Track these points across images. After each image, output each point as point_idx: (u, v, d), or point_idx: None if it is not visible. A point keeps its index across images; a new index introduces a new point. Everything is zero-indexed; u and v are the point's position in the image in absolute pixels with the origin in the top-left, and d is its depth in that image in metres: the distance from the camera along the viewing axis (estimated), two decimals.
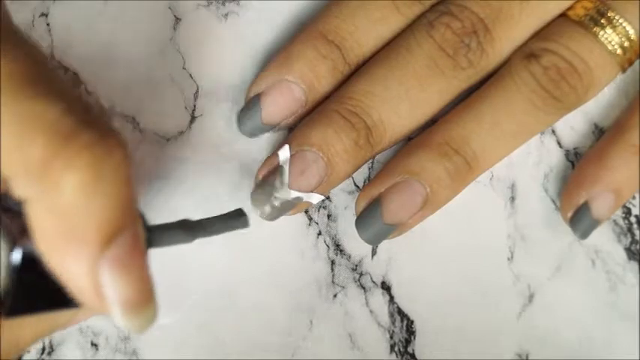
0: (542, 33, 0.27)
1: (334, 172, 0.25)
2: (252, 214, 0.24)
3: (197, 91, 0.27)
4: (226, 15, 0.27)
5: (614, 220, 0.30)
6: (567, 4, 0.27)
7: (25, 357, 0.26)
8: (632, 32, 0.26)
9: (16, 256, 0.18)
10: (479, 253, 0.29)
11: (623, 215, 0.30)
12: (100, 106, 0.19)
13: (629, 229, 0.30)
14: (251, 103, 0.26)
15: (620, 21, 0.26)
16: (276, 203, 0.25)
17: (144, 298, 0.18)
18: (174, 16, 0.27)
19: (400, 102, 0.26)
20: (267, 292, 0.28)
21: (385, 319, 0.28)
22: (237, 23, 0.28)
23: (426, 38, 0.26)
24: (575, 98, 0.26)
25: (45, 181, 0.16)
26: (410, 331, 0.28)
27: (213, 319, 0.27)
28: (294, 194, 0.25)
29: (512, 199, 0.29)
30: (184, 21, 0.27)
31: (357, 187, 0.28)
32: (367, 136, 0.25)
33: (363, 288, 0.28)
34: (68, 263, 0.17)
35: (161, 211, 0.27)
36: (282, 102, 0.26)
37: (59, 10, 0.26)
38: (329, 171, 0.25)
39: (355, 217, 0.27)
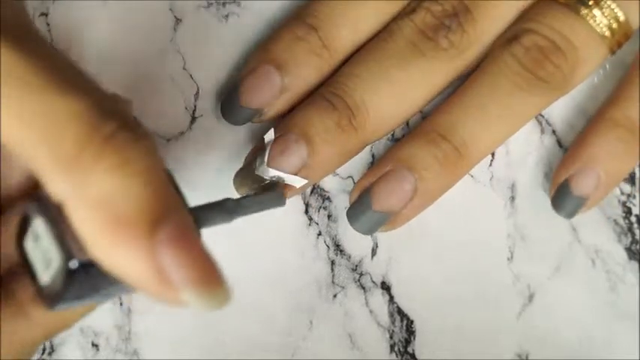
0: (525, 14, 0.27)
1: (316, 153, 0.25)
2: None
3: (197, 92, 0.27)
4: (227, 16, 0.28)
5: (615, 220, 0.30)
6: None
7: None
8: (620, 14, 0.26)
9: (73, 264, 0.17)
10: (479, 252, 0.29)
11: (624, 215, 0.30)
12: (124, 99, 0.19)
13: (630, 229, 0.30)
14: (232, 89, 0.26)
15: (609, 2, 0.26)
16: (257, 184, 0.25)
17: (212, 275, 0.17)
18: (175, 16, 0.27)
19: (380, 82, 0.26)
20: (267, 292, 0.28)
21: (385, 319, 0.28)
22: (237, 24, 0.28)
23: (406, 22, 0.26)
24: (561, 78, 0.26)
25: (79, 173, 0.16)
26: (410, 331, 0.28)
27: (212, 319, 0.27)
28: (272, 173, 0.25)
29: (512, 198, 0.29)
30: (185, 22, 0.27)
31: None
32: (349, 117, 0.25)
33: (363, 288, 0.28)
34: (122, 255, 0.16)
35: None
36: (259, 85, 0.26)
37: (59, 10, 0.26)
38: (310, 151, 0.25)
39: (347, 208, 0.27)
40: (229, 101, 0.26)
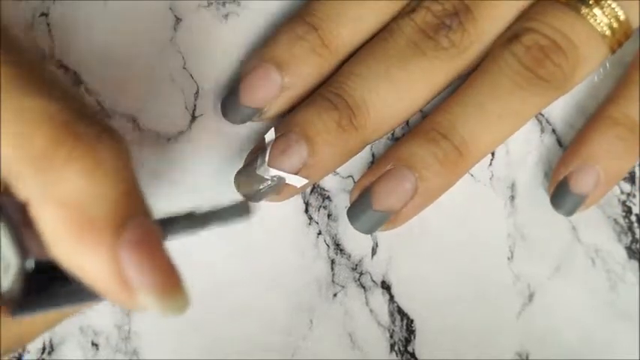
0: (526, 14, 0.27)
1: (317, 153, 0.25)
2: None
3: (197, 91, 0.27)
4: (227, 15, 0.28)
5: (615, 219, 0.30)
6: None
7: (25, 357, 0.26)
8: (620, 13, 0.26)
9: (29, 263, 0.17)
10: (479, 252, 0.29)
11: (624, 214, 0.30)
12: (96, 106, 0.20)
13: (630, 228, 0.30)
14: (232, 88, 0.26)
15: (609, 1, 0.26)
16: (258, 184, 0.25)
17: (171, 281, 0.17)
18: (175, 16, 0.27)
19: (380, 81, 0.26)
20: (267, 291, 0.28)
21: (385, 318, 0.28)
22: (237, 24, 0.28)
23: (407, 21, 0.26)
24: (562, 77, 0.26)
25: (48, 172, 0.16)
26: (410, 330, 0.28)
27: (213, 319, 0.27)
28: (273, 173, 0.25)
29: (512, 198, 0.29)
30: (185, 21, 0.27)
31: None
32: (350, 117, 0.25)
33: (363, 287, 0.28)
34: (84, 255, 0.17)
35: (161, 210, 0.27)
36: (259, 84, 0.26)
37: (59, 10, 0.26)
38: (310, 151, 0.25)
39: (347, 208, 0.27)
40: (230, 100, 0.26)
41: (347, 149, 0.26)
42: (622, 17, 0.26)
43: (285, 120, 0.26)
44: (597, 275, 0.29)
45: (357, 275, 0.28)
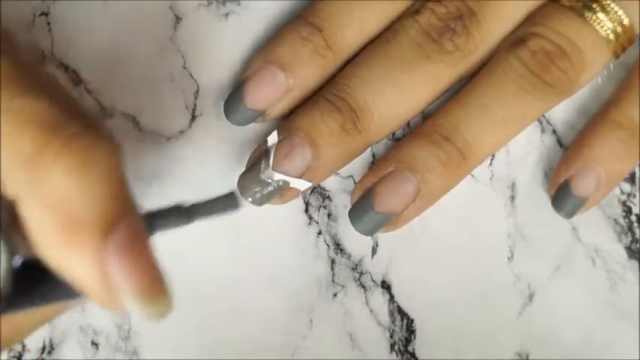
0: (531, 18, 0.27)
1: (321, 156, 0.25)
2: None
3: (197, 91, 0.27)
4: (227, 15, 0.28)
5: (615, 219, 0.30)
6: None
7: (25, 357, 0.26)
8: (625, 18, 0.26)
9: (17, 261, 0.18)
10: (479, 252, 0.29)
11: (624, 214, 0.30)
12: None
13: (630, 228, 0.30)
14: (236, 90, 0.26)
15: (613, 6, 0.26)
16: (262, 187, 0.25)
17: (155, 285, 0.17)
18: (175, 15, 0.27)
19: (384, 84, 0.26)
20: (267, 291, 0.28)
21: (385, 318, 0.28)
22: (237, 23, 0.28)
23: (411, 24, 0.26)
24: (567, 82, 0.26)
25: (37, 171, 0.16)
26: (410, 330, 0.28)
27: (213, 319, 0.27)
28: (278, 177, 0.25)
29: (512, 198, 0.29)
30: (185, 20, 0.27)
31: None
32: (353, 120, 0.25)
33: (363, 287, 0.28)
34: (71, 256, 0.17)
35: None
36: (264, 86, 0.26)
37: (59, 10, 0.26)
38: (314, 154, 0.25)
39: (348, 209, 0.27)
40: (233, 102, 0.26)
41: (350, 151, 0.26)
42: (626, 22, 0.26)
43: (288, 122, 0.26)
44: (597, 275, 0.29)
45: (357, 275, 0.28)
